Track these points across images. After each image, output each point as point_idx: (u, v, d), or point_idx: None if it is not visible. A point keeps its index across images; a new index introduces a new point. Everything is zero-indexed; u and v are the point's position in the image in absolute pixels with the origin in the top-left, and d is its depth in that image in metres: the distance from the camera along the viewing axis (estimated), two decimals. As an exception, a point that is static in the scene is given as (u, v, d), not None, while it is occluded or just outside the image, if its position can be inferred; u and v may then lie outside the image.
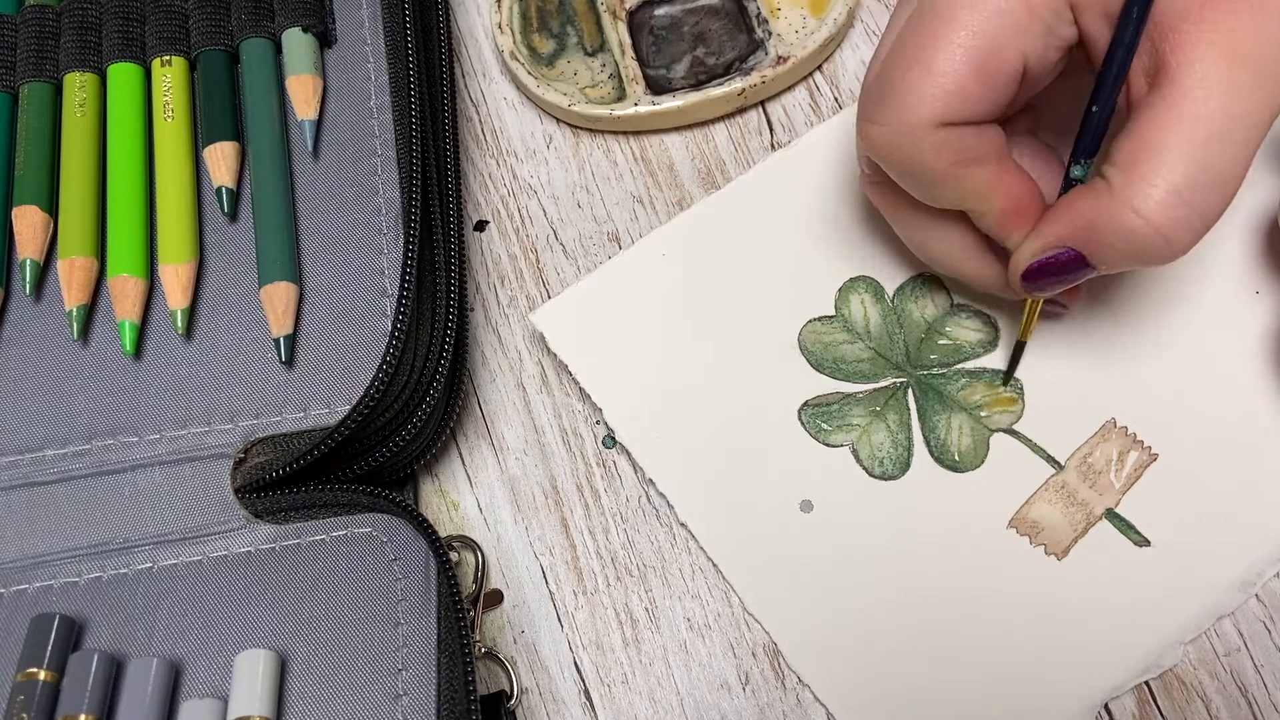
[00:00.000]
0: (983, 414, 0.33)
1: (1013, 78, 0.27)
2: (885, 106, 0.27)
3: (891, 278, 0.35)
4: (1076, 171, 0.28)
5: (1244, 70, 0.24)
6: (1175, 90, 0.25)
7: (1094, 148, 0.28)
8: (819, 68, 0.39)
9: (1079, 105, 0.28)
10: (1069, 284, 0.28)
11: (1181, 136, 0.25)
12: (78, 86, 0.36)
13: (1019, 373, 0.33)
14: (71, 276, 0.34)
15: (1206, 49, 0.25)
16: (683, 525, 0.33)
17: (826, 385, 0.34)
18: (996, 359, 0.33)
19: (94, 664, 0.28)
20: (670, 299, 0.35)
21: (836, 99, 0.39)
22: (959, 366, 0.34)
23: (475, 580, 0.33)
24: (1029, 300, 0.31)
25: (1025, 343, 0.32)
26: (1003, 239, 0.29)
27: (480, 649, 0.31)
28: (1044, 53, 0.27)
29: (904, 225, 0.32)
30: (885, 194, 0.31)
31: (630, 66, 0.38)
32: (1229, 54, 0.24)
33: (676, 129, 0.39)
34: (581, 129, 0.39)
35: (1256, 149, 0.25)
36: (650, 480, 0.33)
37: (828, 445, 0.33)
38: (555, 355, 0.35)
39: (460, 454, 0.35)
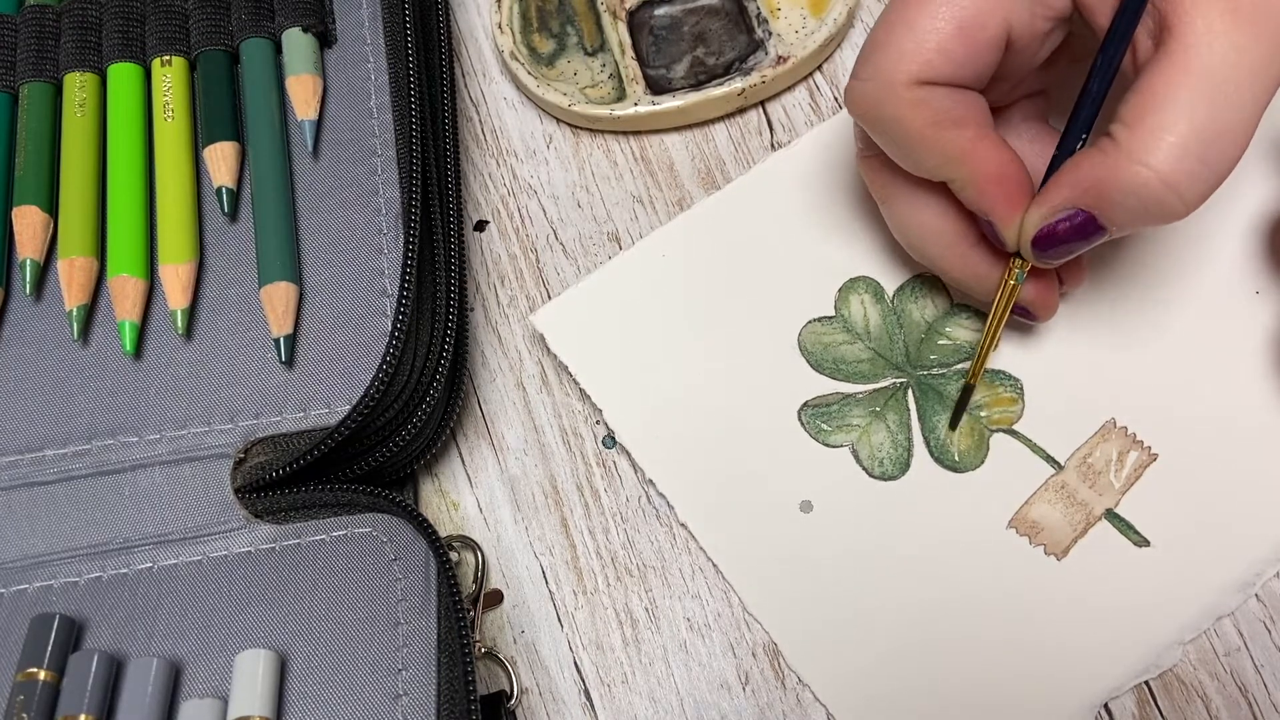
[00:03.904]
0: (982, 414, 0.33)
1: (995, 43, 0.27)
2: (867, 63, 0.28)
3: (891, 278, 0.35)
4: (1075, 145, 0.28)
5: (1246, 24, 0.25)
6: (1178, 45, 0.25)
7: (1093, 117, 0.28)
8: (819, 68, 0.39)
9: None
10: (1081, 249, 0.28)
11: (1187, 89, 0.25)
12: (78, 86, 0.36)
13: (1019, 372, 0.33)
14: (71, 276, 0.34)
15: (1208, 5, 0.25)
16: (683, 525, 0.33)
17: (826, 385, 0.34)
18: (996, 359, 0.33)
19: (94, 664, 0.28)
20: (670, 299, 0.35)
21: (836, 99, 0.39)
22: (959, 367, 0.34)
23: (475, 580, 0.33)
24: (981, 345, 0.31)
25: (973, 386, 0.32)
26: (986, 213, 0.29)
27: (480, 649, 0.31)
28: (1031, 21, 0.27)
29: (890, 204, 0.32)
30: (874, 169, 0.31)
31: (630, 66, 0.38)
32: (1230, 8, 0.25)
33: (676, 129, 0.39)
34: (581, 129, 0.39)
35: (1264, 105, 0.25)
36: (650, 480, 0.33)
37: (828, 445, 0.33)
38: (555, 356, 0.35)
39: (460, 454, 0.35)
